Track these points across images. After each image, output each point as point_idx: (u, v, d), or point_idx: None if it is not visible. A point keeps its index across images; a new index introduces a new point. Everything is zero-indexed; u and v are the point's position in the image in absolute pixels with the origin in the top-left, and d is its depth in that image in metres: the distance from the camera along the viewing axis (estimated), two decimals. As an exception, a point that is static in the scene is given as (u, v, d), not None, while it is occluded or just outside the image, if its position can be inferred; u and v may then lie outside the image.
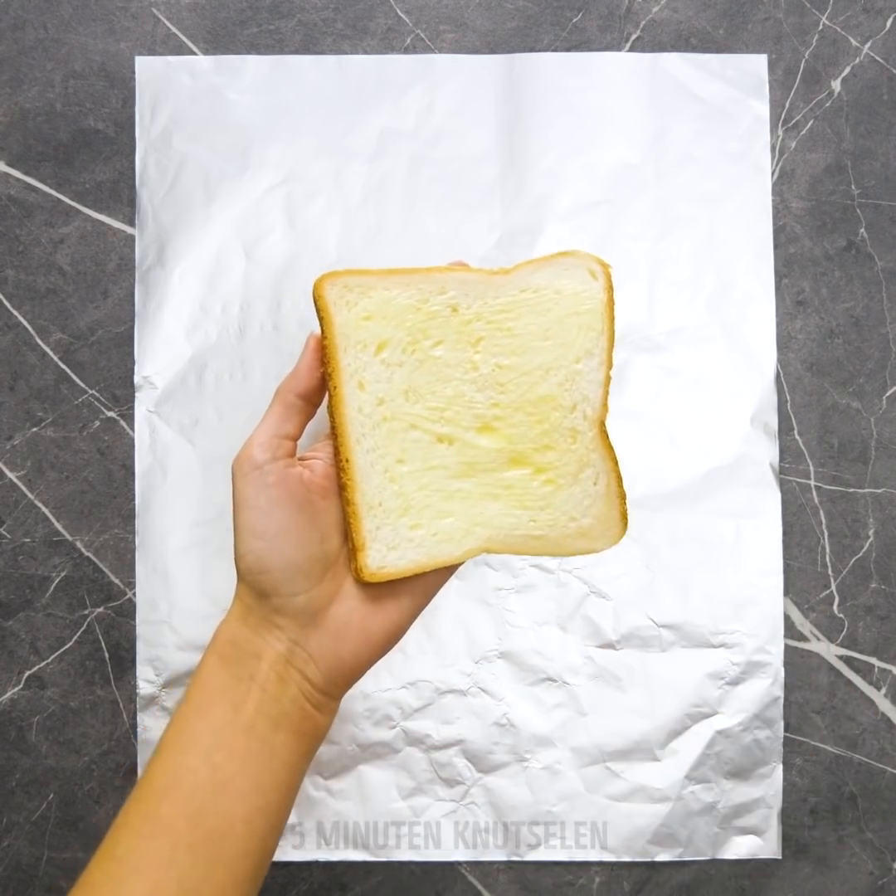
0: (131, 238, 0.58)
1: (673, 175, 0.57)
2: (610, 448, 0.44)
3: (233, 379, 0.57)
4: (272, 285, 0.57)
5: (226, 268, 0.57)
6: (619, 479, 0.44)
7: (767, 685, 0.56)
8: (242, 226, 0.57)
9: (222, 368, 0.57)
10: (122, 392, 0.58)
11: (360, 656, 0.41)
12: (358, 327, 0.42)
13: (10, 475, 0.58)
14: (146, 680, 0.56)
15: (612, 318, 0.44)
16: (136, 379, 0.57)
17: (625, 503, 0.44)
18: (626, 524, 0.45)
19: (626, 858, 0.56)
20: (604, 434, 0.44)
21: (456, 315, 0.43)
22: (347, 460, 0.43)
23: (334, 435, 0.43)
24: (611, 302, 0.44)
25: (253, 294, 0.57)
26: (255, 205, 0.57)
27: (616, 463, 0.44)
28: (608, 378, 0.44)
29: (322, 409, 0.45)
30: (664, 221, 0.57)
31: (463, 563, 0.44)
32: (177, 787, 0.38)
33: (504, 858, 0.56)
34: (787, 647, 0.57)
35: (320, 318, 0.42)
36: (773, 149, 0.58)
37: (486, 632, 0.56)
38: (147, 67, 0.58)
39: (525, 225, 0.57)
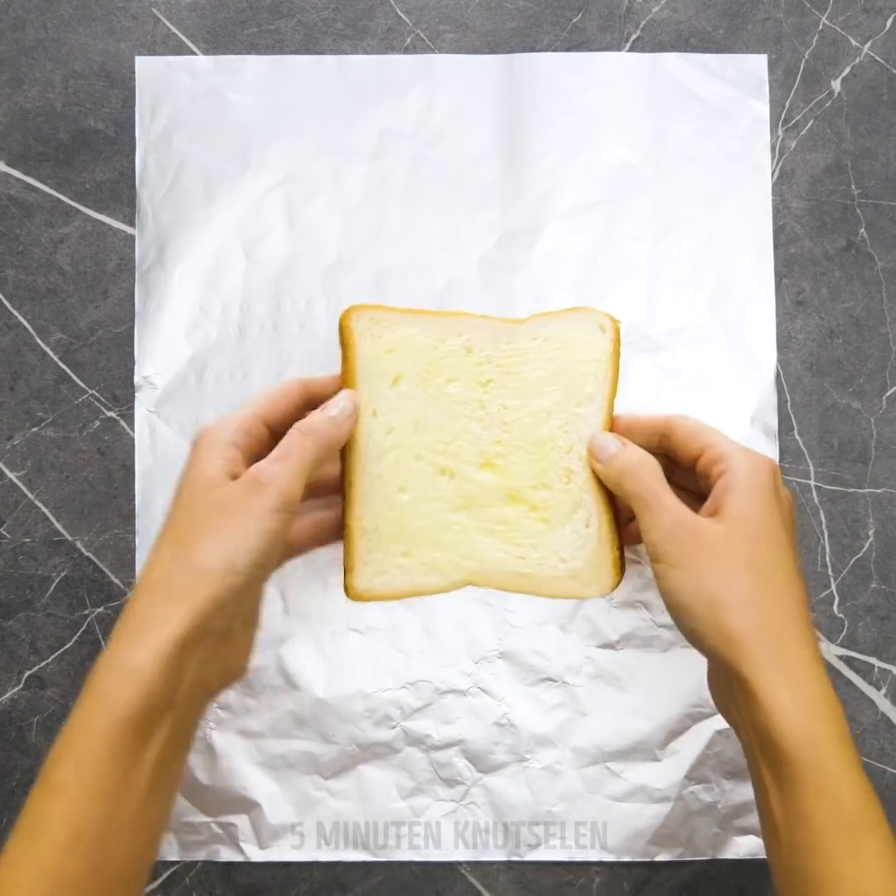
0: (131, 238, 0.58)
1: (673, 175, 0.57)
2: (603, 491, 0.45)
3: (233, 379, 0.56)
4: (272, 285, 0.56)
5: (226, 268, 0.56)
6: (613, 524, 0.45)
7: (767, 685, 0.56)
8: (242, 226, 0.57)
9: (222, 368, 0.56)
10: (122, 392, 0.58)
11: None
12: (379, 359, 0.44)
13: (10, 475, 0.57)
14: (146, 680, 0.56)
15: (616, 368, 0.46)
16: (136, 379, 0.57)
17: (618, 550, 0.45)
18: (619, 573, 0.45)
19: (626, 858, 0.56)
20: (598, 477, 0.45)
21: (470, 356, 0.45)
22: (351, 484, 0.44)
23: (341, 458, 0.44)
24: (616, 354, 0.46)
25: (253, 294, 0.56)
26: (255, 205, 0.57)
27: (610, 508, 0.45)
28: (609, 422, 0.45)
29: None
30: (664, 221, 0.57)
31: (445, 592, 0.45)
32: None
33: (504, 858, 0.56)
34: (787, 647, 0.56)
35: (343, 346, 0.44)
36: (773, 149, 0.58)
37: (486, 632, 0.56)
38: (147, 67, 0.58)
39: (525, 225, 0.57)
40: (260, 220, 0.57)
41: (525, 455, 0.45)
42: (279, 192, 0.57)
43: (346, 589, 0.45)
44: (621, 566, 0.45)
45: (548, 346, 0.46)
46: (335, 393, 0.44)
